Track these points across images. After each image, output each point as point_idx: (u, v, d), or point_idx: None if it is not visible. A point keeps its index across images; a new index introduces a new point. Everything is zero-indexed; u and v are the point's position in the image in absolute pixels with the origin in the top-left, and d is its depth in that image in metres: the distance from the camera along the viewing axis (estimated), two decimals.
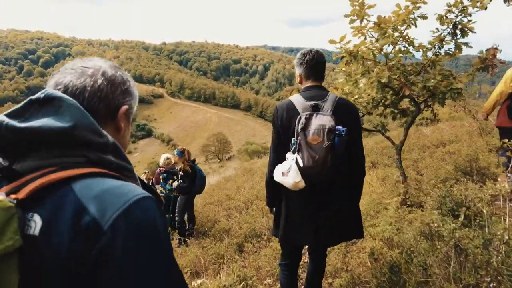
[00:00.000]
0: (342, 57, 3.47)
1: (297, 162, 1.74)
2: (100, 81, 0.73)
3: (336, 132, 1.72)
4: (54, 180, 0.58)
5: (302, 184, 1.74)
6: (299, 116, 1.79)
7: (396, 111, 4.30)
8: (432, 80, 3.39)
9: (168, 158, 6.28)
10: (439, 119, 15.64)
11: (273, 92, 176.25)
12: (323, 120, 1.74)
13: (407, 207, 3.48)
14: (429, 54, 3.66)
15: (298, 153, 1.75)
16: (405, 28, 3.52)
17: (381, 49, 3.56)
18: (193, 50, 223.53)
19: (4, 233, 0.50)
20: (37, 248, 0.53)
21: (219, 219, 5.91)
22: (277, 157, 1.87)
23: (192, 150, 6.28)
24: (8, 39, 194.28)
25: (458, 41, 3.37)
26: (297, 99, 1.88)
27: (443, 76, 3.39)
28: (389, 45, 3.67)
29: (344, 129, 1.72)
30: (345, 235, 1.99)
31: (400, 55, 3.74)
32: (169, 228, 6.15)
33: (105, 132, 0.67)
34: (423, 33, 3.65)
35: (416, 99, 3.82)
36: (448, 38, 3.47)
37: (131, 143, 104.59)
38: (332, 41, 3.28)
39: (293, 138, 1.79)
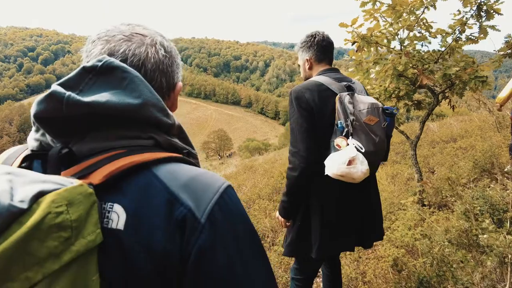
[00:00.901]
0: (354, 42, 3.14)
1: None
2: (161, 52, 0.65)
3: (387, 111, 1.51)
4: (134, 163, 0.50)
5: (368, 173, 1.44)
6: (340, 95, 1.50)
7: (410, 103, 3.97)
8: (454, 68, 3.06)
9: None
10: (444, 114, 15.29)
11: (274, 88, 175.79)
12: (369, 99, 1.50)
13: (423, 207, 3.16)
14: (449, 39, 3.33)
15: (352, 137, 1.44)
16: (423, 11, 3.18)
17: (396, 34, 3.23)
18: (193, 47, 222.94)
19: (85, 225, 0.43)
20: (121, 245, 0.46)
21: None
22: (313, 147, 1.51)
23: None
24: (7, 36, 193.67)
25: (483, 24, 3.03)
26: (326, 80, 1.57)
27: (466, 63, 3.06)
28: (403, 31, 3.34)
29: (394, 107, 1.52)
30: (380, 234, 1.70)
31: (416, 42, 3.41)
32: None
33: (171, 112, 0.61)
34: (441, 17, 3.31)
35: (433, 89, 3.50)
36: (471, 21, 3.13)
37: None
38: (343, 25, 2.94)
39: (339, 121, 1.46)
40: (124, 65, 0.56)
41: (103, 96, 0.52)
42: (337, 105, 1.47)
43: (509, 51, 3.03)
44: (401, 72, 3.34)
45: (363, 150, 1.41)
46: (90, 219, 0.44)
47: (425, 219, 2.98)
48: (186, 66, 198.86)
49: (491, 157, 3.87)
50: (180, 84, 0.71)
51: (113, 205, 0.48)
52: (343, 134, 1.44)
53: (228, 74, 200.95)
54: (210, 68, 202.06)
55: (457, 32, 3.23)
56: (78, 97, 0.50)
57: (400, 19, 3.19)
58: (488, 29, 3.02)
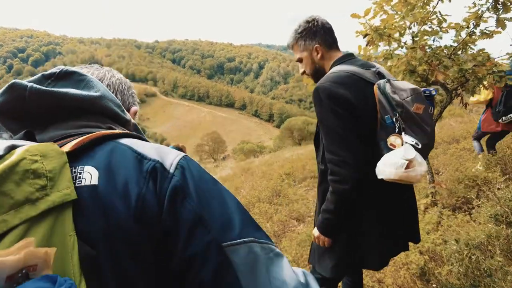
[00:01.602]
0: (366, 35, 2.97)
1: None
2: (116, 76, 0.79)
3: (426, 93, 1.31)
4: (100, 135, 0.53)
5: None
6: (378, 84, 1.27)
7: None
8: (470, 63, 2.90)
9: None
10: (442, 116, 15.28)
11: (268, 90, 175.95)
12: (406, 84, 1.29)
13: (444, 210, 2.99)
14: (463, 34, 3.18)
15: (405, 133, 1.23)
16: (437, 3, 3.03)
17: (409, 28, 3.07)
18: (186, 48, 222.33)
19: (59, 179, 0.44)
20: (98, 198, 0.47)
21: None
22: (361, 151, 1.26)
23: (186, 150, 5.79)
24: None
25: (501, 16, 2.88)
26: (354, 69, 1.34)
27: (483, 57, 2.91)
28: (415, 24, 3.18)
29: (432, 88, 1.33)
30: (418, 236, 1.49)
31: (426, 37, 3.26)
32: None
33: (126, 112, 0.67)
34: (455, 10, 3.16)
35: (446, 86, 3.34)
36: (487, 14, 2.99)
37: None
38: (355, 15, 2.76)
39: (386, 116, 1.25)
40: (80, 70, 0.62)
41: (64, 89, 0.56)
42: (379, 96, 1.26)
43: None
44: (413, 68, 3.19)
45: (419, 146, 1.21)
46: (64, 175, 0.45)
47: (441, 222, 2.81)
48: (179, 68, 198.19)
49: (504, 157, 3.73)
50: (135, 108, 0.81)
51: (83, 167, 0.49)
52: (396, 131, 1.23)
53: (222, 76, 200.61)
54: (204, 70, 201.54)
55: (472, 26, 3.09)
56: (40, 86, 0.54)
57: (412, 12, 3.03)
58: (507, 22, 2.87)
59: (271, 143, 59.08)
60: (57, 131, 0.55)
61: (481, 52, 2.97)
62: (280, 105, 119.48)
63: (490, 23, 3.01)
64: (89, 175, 0.48)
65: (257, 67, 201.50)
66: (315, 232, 1.43)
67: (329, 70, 1.43)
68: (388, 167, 1.19)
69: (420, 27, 3.17)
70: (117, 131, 0.57)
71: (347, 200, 1.27)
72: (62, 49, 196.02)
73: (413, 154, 1.18)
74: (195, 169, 0.54)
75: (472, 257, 1.96)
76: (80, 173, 0.48)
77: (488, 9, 2.94)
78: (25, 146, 0.44)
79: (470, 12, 3.03)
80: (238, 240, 0.49)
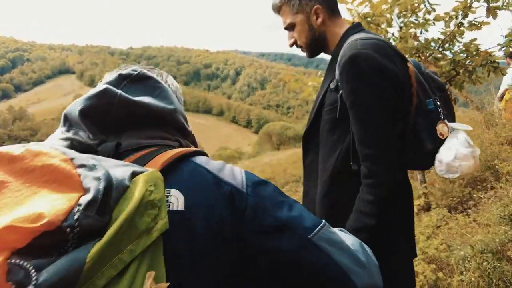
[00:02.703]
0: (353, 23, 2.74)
1: None
2: (174, 83, 0.78)
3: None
4: (180, 154, 0.56)
5: None
6: (413, 62, 1.06)
7: None
8: (462, 54, 2.75)
9: None
10: None
11: (245, 96, 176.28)
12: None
13: (449, 213, 2.78)
14: (451, 25, 3.03)
15: (444, 118, 0.97)
16: None
17: (398, 17, 2.88)
18: (161, 55, 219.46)
19: (163, 208, 0.46)
20: (185, 222, 0.50)
21: None
22: (396, 144, 0.97)
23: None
24: None
25: (491, 4, 2.74)
26: (381, 44, 1.01)
27: (475, 48, 2.76)
28: (402, 15, 3.01)
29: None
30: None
31: (412, 30, 3.09)
32: None
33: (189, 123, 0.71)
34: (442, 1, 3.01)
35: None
36: (476, 4, 2.84)
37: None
38: (342, 1, 2.53)
39: (428, 100, 0.98)
40: (156, 77, 0.67)
41: (145, 98, 0.60)
42: (417, 76, 1.00)
43: None
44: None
45: (470, 128, 1.00)
46: (164, 203, 0.47)
47: (441, 225, 2.60)
48: None
49: (492, 154, 3.61)
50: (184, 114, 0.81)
51: (169, 191, 0.51)
52: (441, 118, 0.99)
53: (199, 83, 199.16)
54: (180, 76, 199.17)
55: (460, 16, 2.94)
56: (128, 95, 0.58)
57: (400, 1, 2.85)
58: (498, 11, 2.73)
59: (250, 148, 58.90)
60: (131, 139, 0.58)
61: (472, 43, 2.82)
62: (258, 111, 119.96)
63: (478, 13, 2.86)
64: (176, 199, 0.51)
65: (234, 73, 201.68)
66: None
67: (342, 39, 1.10)
68: (465, 161, 0.95)
69: (406, 19, 3.00)
70: (192, 148, 0.60)
71: (389, 200, 0.93)
72: (31, 55, 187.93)
73: (470, 142, 0.96)
74: (257, 179, 0.59)
75: (485, 263, 1.73)
76: (168, 197, 0.50)
77: None
78: (143, 175, 0.46)
79: (459, 1, 2.88)
80: (316, 229, 0.56)
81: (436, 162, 1.00)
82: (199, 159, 0.58)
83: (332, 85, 1.05)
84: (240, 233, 0.52)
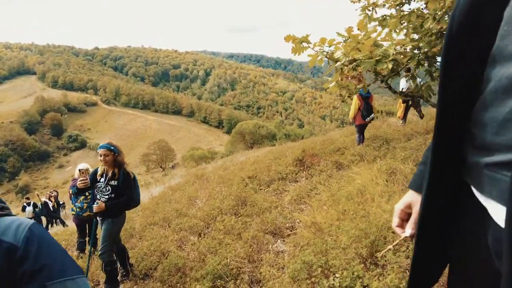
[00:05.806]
0: None
1: None
2: None
3: None
4: None
5: None
6: None
7: (433, 69, 2.95)
8: None
9: (86, 169, 4.17)
10: (394, 112, 15.30)
11: (216, 97, 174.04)
12: None
13: None
14: None
15: None
16: None
17: None
18: (128, 55, 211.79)
19: None
20: None
21: (168, 248, 3.98)
22: None
23: (131, 160, 4.43)
24: None
25: None
26: None
27: None
28: None
29: None
30: None
31: None
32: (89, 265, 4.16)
33: None
34: None
35: None
36: None
37: (62, 156, 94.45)
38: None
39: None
40: None
41: None
42: None
43: None
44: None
45: None
46: None
47: None
48: (121, 76, 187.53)
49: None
50: None
51: None
52: None
53: (168, 83, 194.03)
54: (148, 77, 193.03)
55: None
56: None
57: None
58: None
59: (222, 148, 57.68)
60: None
61: None
62: (229, 111, 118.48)
63: None
64: None
65: (203, 74, 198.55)
66: None
67: None
68: None
69: None
70: None
71: None
72: None
73: None
74: (36, 237, 0.76)
75: None
76: None
77: None
78: None
79: None
80: (57, 280, 0.73)
81: None
82: None
83: None
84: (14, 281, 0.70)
